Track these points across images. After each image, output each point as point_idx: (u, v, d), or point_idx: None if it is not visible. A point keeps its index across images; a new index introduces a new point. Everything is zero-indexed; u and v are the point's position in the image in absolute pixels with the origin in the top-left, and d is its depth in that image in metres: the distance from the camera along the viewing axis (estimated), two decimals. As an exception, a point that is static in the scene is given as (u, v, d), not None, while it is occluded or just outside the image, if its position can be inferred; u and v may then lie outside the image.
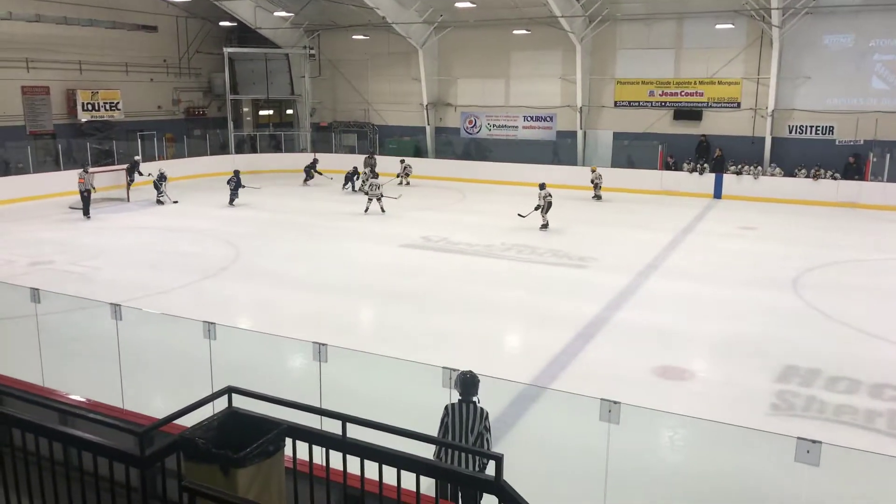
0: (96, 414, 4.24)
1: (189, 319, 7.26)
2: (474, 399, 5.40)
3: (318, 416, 4.10)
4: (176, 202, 22.54)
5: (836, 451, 5.22)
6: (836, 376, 9.21)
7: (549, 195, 18.77)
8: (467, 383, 5.42)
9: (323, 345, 6.25)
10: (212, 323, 6.77)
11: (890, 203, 22.26)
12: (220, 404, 3.94)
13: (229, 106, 32.29)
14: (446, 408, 5.42)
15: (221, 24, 31.30)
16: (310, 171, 27.52)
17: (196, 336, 6.73)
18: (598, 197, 24.17)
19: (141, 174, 23.44)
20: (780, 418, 8.11)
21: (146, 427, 3.41)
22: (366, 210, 21.10)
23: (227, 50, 31.67)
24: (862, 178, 23.36)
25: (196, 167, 28.77)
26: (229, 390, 3.85)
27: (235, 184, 22.74)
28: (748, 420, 7.70)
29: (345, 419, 3.70)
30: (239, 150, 31.54)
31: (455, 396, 5.43)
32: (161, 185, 22.51)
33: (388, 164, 27.64)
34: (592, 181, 24.35)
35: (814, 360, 9.72)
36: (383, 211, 21.03)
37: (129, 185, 22.86)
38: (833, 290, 13.39)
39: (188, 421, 3.68)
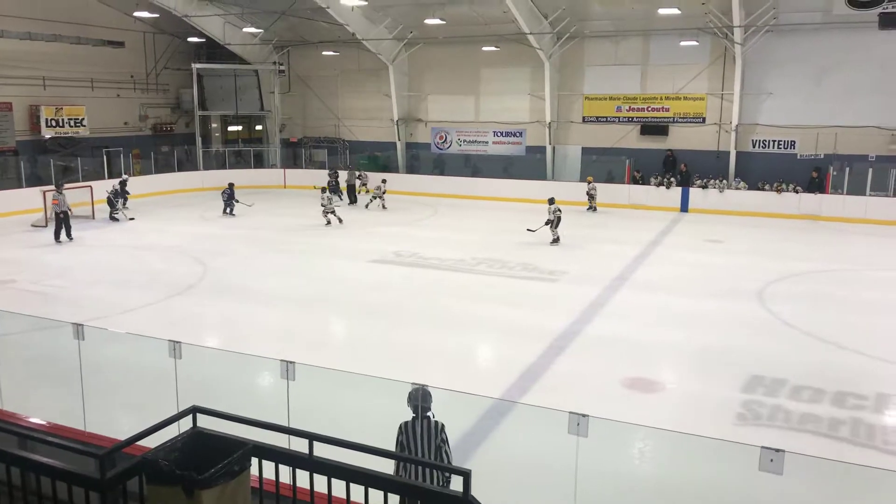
0: (56, 437, 4.15)
1: (154, 338, 7.14)
2: (429, 414, 5.36)
3: (286, 435, 4.07)
4: (132, 219, 22.23)
5: (799, 460, 5.31)
6: (801, 385, 9.39)
7: (559, 210, 18.87)
8: (420, 398, 5.37)
9: (291, 363, 6.19)
10: (177, 342, 6.66)
11: (849, 215, 22.85)
12: (186, 425, 3.89)
13: (198, 122, 32.01)
14: (400, 427, 5.33)
15: (190, 39, 31.10)
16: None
17: (161, 355, 6.62)
18: (592, 208, 24.55)
19: (128, 192, 23.04)
20: (747, 428, 8.23)
21: (107, 449, 3.35)
22: (327, 223, 21.36)
23: (196, 66, 31.44)
24: (823, 191, 23.95)
25: (163, 184, 28.42)
26: (193, 410, 3.81)
27: (228, 195, 23.20)
28: (715, 430, 7.80)
29: (311, 437, 3.67)
30: (207, 167, 31.24)
31: (409, 414, 5.39)
32: (116, 201, 22.23)
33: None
34: (588, 192, 24.69)
35: (779, 370, 9.90)
36: (340, 221, 21.53)
37: (111, 212, 22.36)
38: (797, 301, 13.66)
39: (152, 442, 3.62)
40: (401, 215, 24.18)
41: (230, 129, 35.51)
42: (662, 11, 22.56)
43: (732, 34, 24.03)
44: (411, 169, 31.47)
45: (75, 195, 21.75)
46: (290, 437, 4.00)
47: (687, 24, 24.18)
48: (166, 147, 31.58)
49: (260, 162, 33.06)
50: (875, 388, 9.37)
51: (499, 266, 16.34)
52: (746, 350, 10.85)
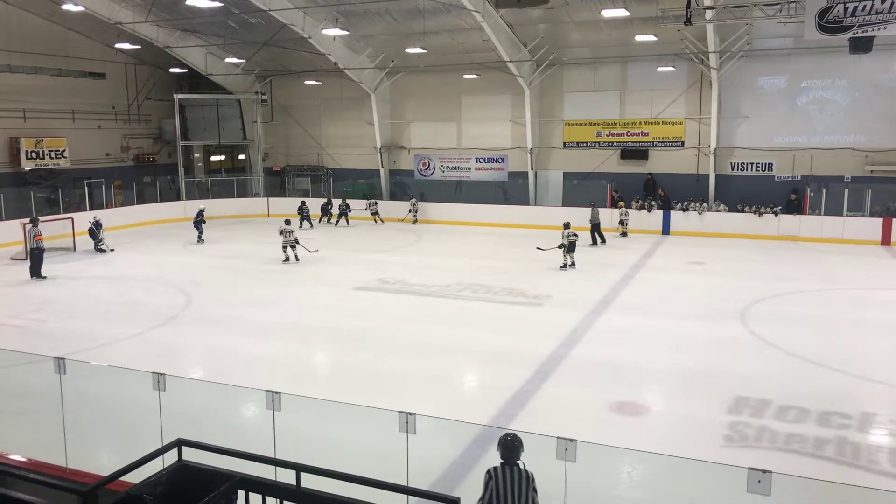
0: (37, 474, 4.08)
1: (137, 371, 7.06)
2: (519, 462, 5.15)
3: (272, 467, 4.04)
4: (112, 250, 22.02)
5: (786, 480, 5.33)
6: (786, 405, 9.44)
7: (574, 234, 18.75)
8: (510, 446, 5.17)
9: (276, 393, 6.15)
10: (161, 374, 6.60)
11: (827, 235, 23.20)
12: (171, 458, 3.85)
13: (180, 152, 31.98)
14: (489, 472, 5.12)
15: (172, 70, 31.19)
16: (327, 209, 29.07)
17: (145, 388, 6.55)
18: (624, 234, 24.73)
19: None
20: (734, 449, 8.25)
21: (90, 486, 3.31)
22: (286, 259, 20.10)
23: (178, 96, 31.52)
24: (801, 212, 24.32)
25: (146, 214, 28.30)
26: (179, 443, 3.77)
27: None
28: (703, 452, 7.80)
29: (298, 468, 3.65)
30: (190, 197, 31.13)
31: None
32: (98, 232, 22.02)
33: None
34: (620, 219, 24.92)
35: (763, 391, 9.96)
36: (297, 259, 20.08)
37: (95, 244, 22.03)
38: (779, 321, 13.78)
39: (136, 477, 3.57)
40: (385, 242, 24.18)
41: (213, 158, 35.51)
42: (639, 38, 23.00)
43: (708, 59, 24.52)
44: (394, 196, 31.57)
45: (56, 227, 21.58)
46: (277, 468, 3.97)
47: (663, 50, 24.65)
48: (148, 177, 31.48)
49: (243, 191, 33.03)
50: (859, 407, 9.45)
51: (484, 291, 16.36)
52: (731, 371, 10.91)
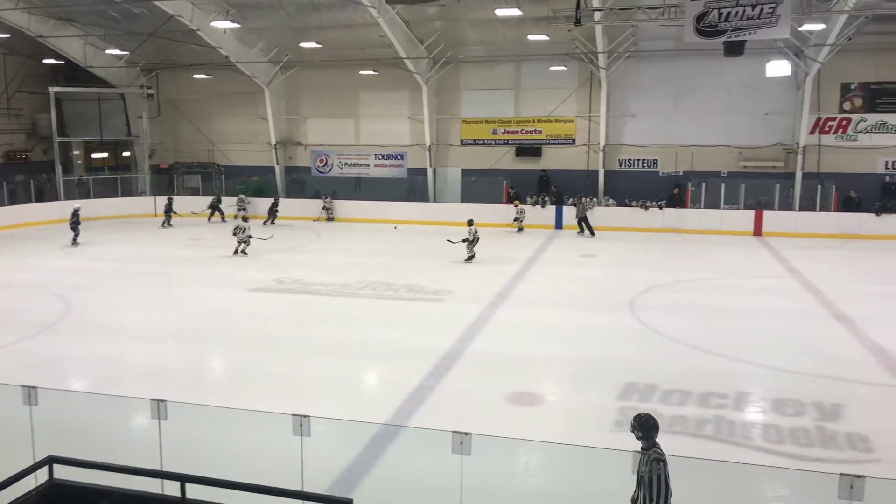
0: None
1: (5, 385, 6.56)
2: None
3: (158, 480, 3.87)
4: None
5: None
6: (670, 389, 9.99)
7: (477, 231, 19.74)
8: (656, 426, 5.50)
9: (161, 401, 5.88)
10: (32, 387, 6.16)
11: (707, 227, 24.71)
12: (43, 478, 3.62)
13: (57, 149, 29.91)
14: (662, 461, 5.33)
15: (46, 61, 29.13)
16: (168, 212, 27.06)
17: (15, 403, 6.09)
18: (520, 230, 25.35)
19: None
20: (624, 434, 8.60)
21: (-55, 513, 3.05)
22: (235, 251, 20.49)
23: (53, 89, 29.47)
24: (683, 205, 25.78)
25: (19, 216, 26.30)
26: (50, 461, 3.56)
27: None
28: (595, 438, 8.11)
29: (183, 479, 3.52)
30: (69, 196, 29.21)
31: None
32: None
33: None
34: (515, 217, 25.49)
35: (650, 376, 10.48)
36: (245, 253, 20.46)
37: None
38: (664, 310, 14.55)
39: (2, 500, 3.34)
40: (283, 241, 23.62)
41: (94, 155, 33.48)
42: (532, 37, 23.59)
43: (597, 59, 25.49)
44: (291, 193, 30.90)
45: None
46: (165, 480, 3.81)
47: (555, 49, 25.42)
48: (21, 176, 29.28)
49: (129, 190, 31.34)
50: (734, 387, 10.13)
51: (384, 289, 16.32)
52: (621, 359, 11.43)
